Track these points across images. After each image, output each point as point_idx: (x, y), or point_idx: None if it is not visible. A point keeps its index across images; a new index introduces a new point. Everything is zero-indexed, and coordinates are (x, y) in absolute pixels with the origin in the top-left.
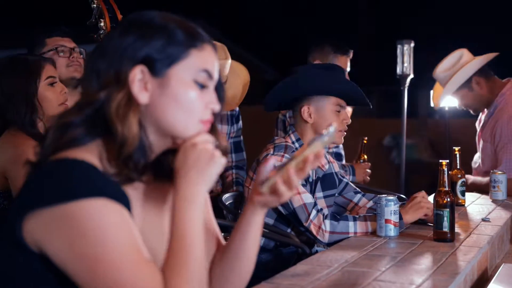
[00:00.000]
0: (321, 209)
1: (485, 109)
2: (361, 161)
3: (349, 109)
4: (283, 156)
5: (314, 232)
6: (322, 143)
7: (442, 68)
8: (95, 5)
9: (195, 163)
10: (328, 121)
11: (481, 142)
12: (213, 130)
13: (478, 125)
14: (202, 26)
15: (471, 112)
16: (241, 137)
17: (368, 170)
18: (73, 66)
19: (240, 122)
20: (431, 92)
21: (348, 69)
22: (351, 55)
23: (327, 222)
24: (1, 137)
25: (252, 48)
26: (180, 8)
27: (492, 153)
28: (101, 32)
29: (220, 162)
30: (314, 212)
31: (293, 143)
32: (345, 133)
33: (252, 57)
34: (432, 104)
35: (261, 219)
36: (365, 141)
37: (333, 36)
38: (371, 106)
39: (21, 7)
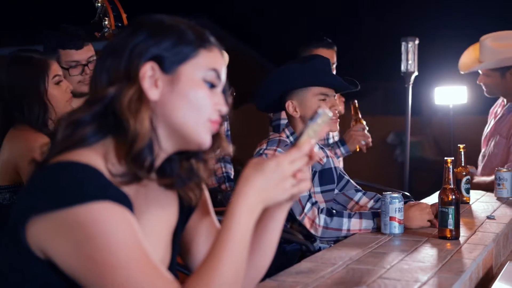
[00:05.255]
0: (316, 202)
1: (504, 100)
2: (360, 129)
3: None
4: (275, 150)
5: (308, 226)
6: (318, 126)
7: (496, 38)
8: (99, 4)
9: (273, 188)
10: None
11: (495, 135)
12: (217, 135)
13: (491, 117)
14: (205, 24)
15: (485, 93)
16: (229, 131)
17: (367, 134)
18: (85, 82)
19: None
20: (436, 89)
21: (335, 62)
22: (335, 48)
23: (322, 216)
24: (7, 135)
25: (257, 47)
26: (183, 6)
27: (506, 149)
28: (105, 30)
29: (289, 193)
30: (308, 205)
31: (287, 137)
32: (338, 119)
33: (257, 55)
34: (436, 102)
35: (283, 214)
36: (356, 104)
37: (337, 33)
38: (358, 87)
39: (24, 6)
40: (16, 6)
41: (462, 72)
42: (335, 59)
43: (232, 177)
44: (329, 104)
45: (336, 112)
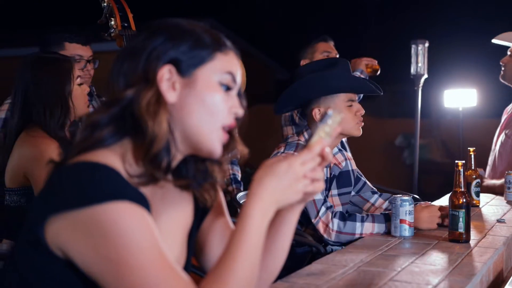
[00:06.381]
0: (331, 207)
1: None
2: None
3: None
4: (293, 154)
5: (321, 230)
6: (329, 127)
7: None
8: (105, 4)
9: (285, 189)
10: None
11: (502, 135)
12: (232, 138)
13: (504, 116)
14: (214, 26)
15: (500, 76)
16: None
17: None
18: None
19: None
20: (445, 92)
21: (337, 53)
22: (332, 42)
23: (335, 221)
24: (19, 138)
25: (265, 48)
26: (192, 8)
27: (510, 149)
28: (111, 31)
29: (301, 194)
30: (323, 209)
31: (306, 141)
32: (362, 123)
33: (265, 56)
34: (446, 105)
35: (296, 216)
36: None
37: (345, 35)
38: (382, 93)
39: (31, 7)
40: (22, 6)
41: (493, 40)
42: (336, 51)
43: (239, 179)
44: (355, 108)
45: (361, 116)
